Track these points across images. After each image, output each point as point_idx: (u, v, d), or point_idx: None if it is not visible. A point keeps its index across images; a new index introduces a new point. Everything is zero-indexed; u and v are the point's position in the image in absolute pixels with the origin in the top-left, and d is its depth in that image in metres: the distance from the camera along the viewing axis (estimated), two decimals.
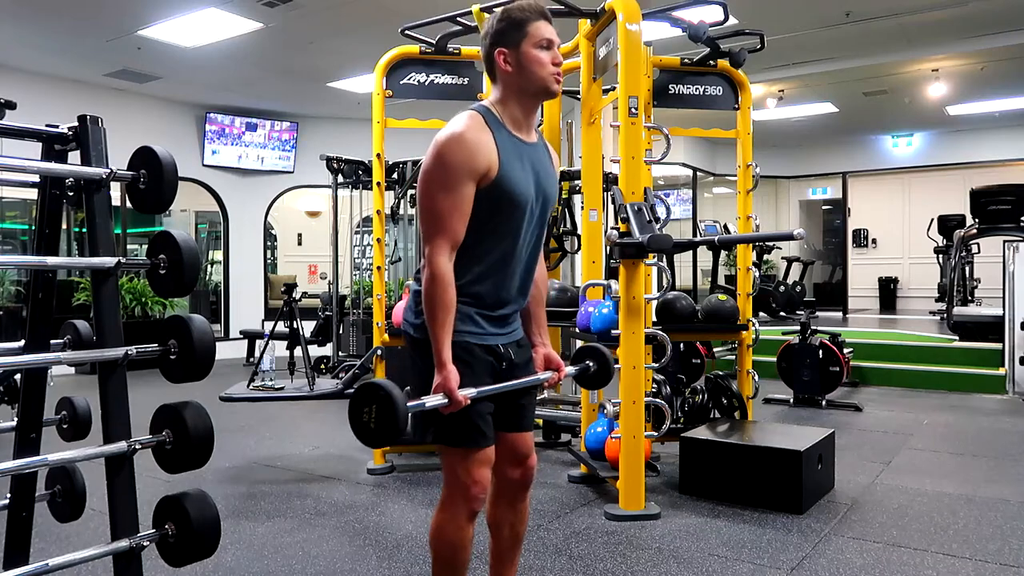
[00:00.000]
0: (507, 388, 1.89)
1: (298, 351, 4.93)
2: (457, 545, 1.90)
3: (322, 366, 7.46)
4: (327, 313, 7.81)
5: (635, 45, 3.25)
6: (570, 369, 2.11)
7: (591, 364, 2.13)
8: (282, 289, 5.06)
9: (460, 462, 1.87)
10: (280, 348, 5.16)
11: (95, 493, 2.18)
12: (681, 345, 5.10)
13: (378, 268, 4.13)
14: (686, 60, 4.16)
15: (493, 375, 1.89)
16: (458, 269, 1.82)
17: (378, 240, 4.11)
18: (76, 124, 1.88)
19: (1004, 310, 6.57)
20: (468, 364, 1.83)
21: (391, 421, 1.54)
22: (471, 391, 1.76)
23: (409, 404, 1.60)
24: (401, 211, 7.07)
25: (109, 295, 1.83)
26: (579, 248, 4.61)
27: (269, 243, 11.46)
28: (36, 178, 2.02)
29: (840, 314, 12.00)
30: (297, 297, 5.16)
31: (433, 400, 1.72)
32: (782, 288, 9.46)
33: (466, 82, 4.12)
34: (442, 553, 1.92)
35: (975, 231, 8.43)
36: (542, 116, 4.48)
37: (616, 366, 2.31)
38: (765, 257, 9.66)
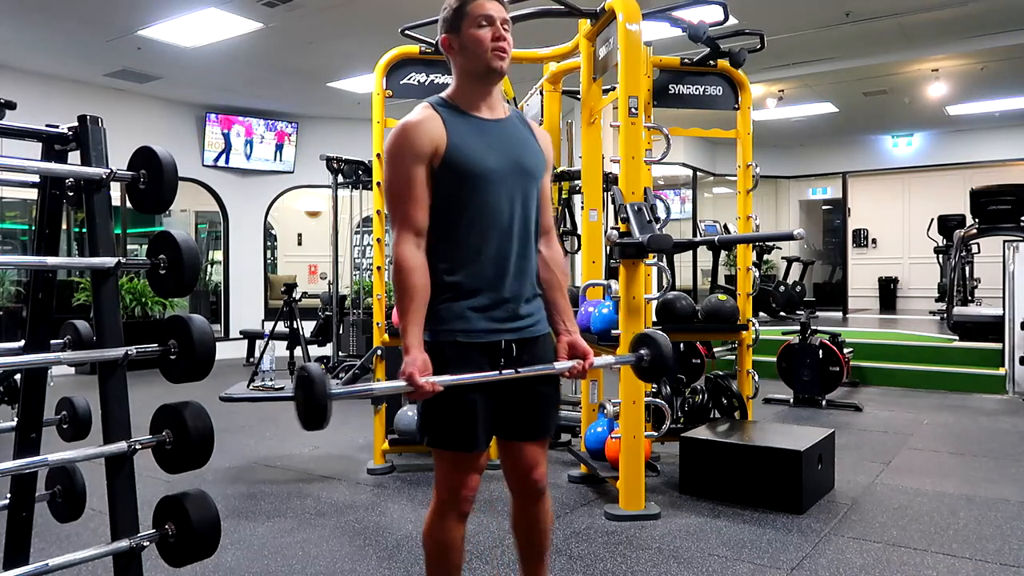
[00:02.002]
0: (489, 378, 1.77)
1: (298, 351, 4.94)
2: (446, 546, 1.87)
3: (322, 366, 7.44)
4: (327, 313, 7.81)
5: (635, 45, 3.25)
6: (629, 357, 2.02)
7: (645, 354, 2.00)
8: (282, 289, 5.07)
9: (445, 464, 1.85)
10: (280, 348, 5.16)
11: (95, 493, 2.17)
12: (681, 345, 5.10)
13: (378, 268, 4.13)
14: (686, 60, 4.16)
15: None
16: (440, 261, 1.80)
17: (378, 240, 4.11)
18: (76, 124, 1.88)
19: (1004, 310, 6.56)
20: (457, 365, 1.75)
21: (311, 403, 1.55)
22: (444, 379, 1.69)
23: (339, 390, 1.59)
24: None
25: (109, 295, 1.83)
26: (579, 248, 4.61)
27: (269, 243, 11.46)
28: (36, 178, 2.02)
29: (840, 314, 12.00)
30: (297, 297, 5.17)
31: (385, 386, 1.69)
32: (782, 288, 9.48)
33: None
34: (432, 553, 1.90)
35: (975, 231, 8.43)
36: (542, 115, 4.48)
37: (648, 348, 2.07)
38: (765, 257, 9.68)
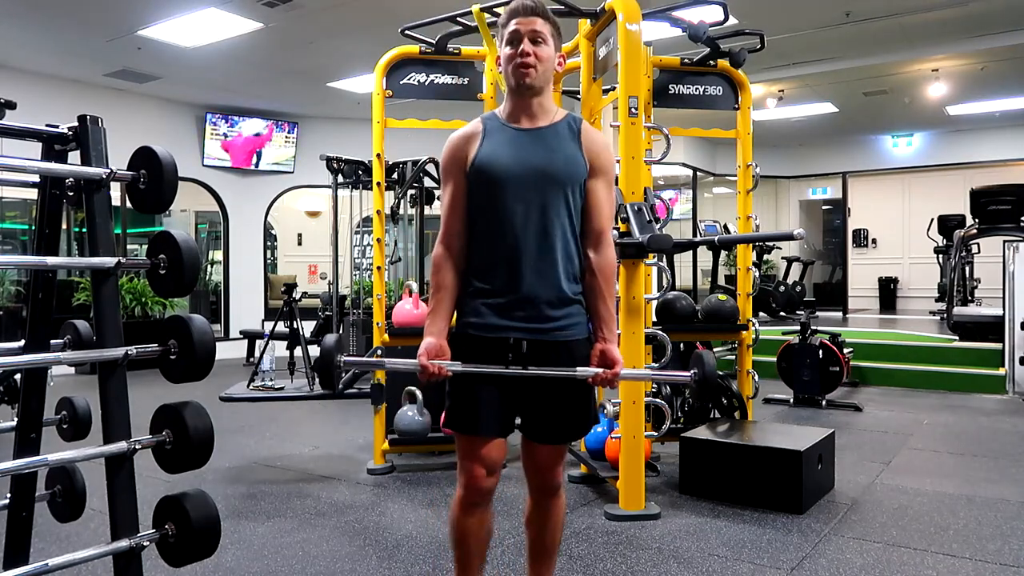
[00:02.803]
0: (494, 371, 1.86)
1: (298, 351, 4.93)
2: (460, 531, 1.97)
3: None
4: (327, 313, 7.81)
5: (635, 45, 3.25)
6: (684, 375, 2.17)
7: (696, 374, 2.11)
8: (282, 289, 5.06)
9: (458, 447, 1.96)
10: (280, 348, 5.16)
11: (95, 493, 2.18)
12: (681, 345, 5.09)
13: (378, 268, 4.12)
14: (686, 60, 4.16)
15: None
16: (469, 261, 1.95)
17: (378, 240, 4.10)
18: (76, 124, 1.88)
19: (1004, 310, 6.57)
20: (466, 355, 1.89)
21: (321, 364, 2.10)
22: (451, 364, 1.86)
23: (347, 359, 2.02)
24: (401, 211, 7.07)
25: (109, 295, 1.83)
26: None
27: (269, 243, 11.46)
28: (36, 178, 2.02)
29: (840, 314, 12.00)
30: (297, 297, 5.16)
31: (396, 361, 2.00)
32: (782, 288, 9.47)
33: (466, 82, 4.12)
34: (450, 536, 2.01)
35: (975, 231, 8.43)
36: None
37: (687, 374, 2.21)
38: (765, 257, 9.67)
